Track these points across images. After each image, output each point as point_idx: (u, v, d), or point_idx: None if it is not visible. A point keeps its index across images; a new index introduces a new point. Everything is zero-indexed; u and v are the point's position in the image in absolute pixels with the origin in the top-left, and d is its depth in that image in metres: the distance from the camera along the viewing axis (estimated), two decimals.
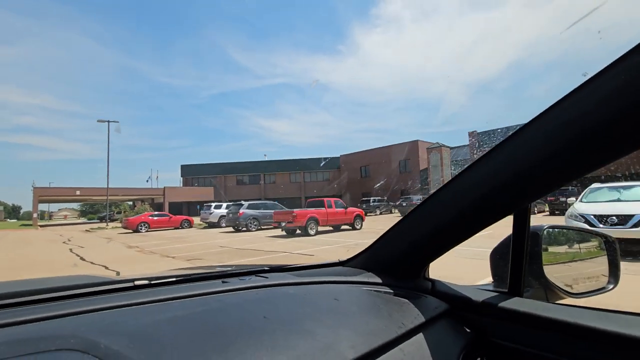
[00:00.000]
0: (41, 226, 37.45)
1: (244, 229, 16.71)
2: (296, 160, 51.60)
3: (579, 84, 0.52)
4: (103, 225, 33.02)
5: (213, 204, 21.33)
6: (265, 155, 55.03)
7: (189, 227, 22.67)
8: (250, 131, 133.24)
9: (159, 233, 19.81)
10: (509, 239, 0.80)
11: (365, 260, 1.07)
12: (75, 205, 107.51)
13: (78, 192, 39.04)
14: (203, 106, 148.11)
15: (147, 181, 51.03)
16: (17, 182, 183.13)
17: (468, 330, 0.75)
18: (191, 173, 53.21)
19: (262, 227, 17.01)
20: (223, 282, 0.83)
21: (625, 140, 0.51)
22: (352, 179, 45.51)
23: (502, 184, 0.67)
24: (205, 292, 0.71)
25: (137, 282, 0.76)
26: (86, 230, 25.65)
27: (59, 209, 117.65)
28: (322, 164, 48.76)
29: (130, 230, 20.92)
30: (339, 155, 49.74)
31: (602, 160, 0.54)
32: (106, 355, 0.44)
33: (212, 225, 21.29)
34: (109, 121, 26.62)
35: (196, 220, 23.69)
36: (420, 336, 0.65)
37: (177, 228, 22.21)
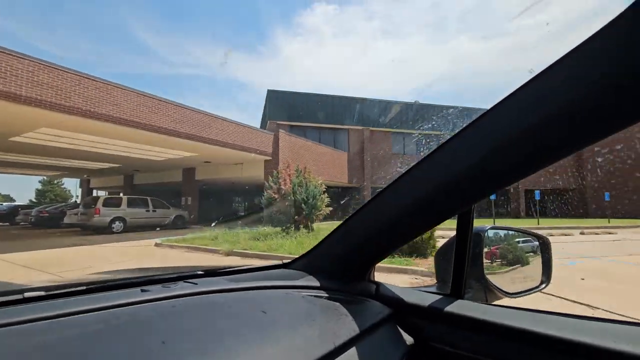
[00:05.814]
0: None
1: None
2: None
3: (523, 83, 0.51)
4: None
5: None
6: (415, 101, 27.32)
7: None
8: None
9: None
10: (453, 240, 0.79)
11: (308, 263, 1.02)
12: None
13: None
14: None
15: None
16: None
17: (409, 336, 0.73)
18: (288, 114, 23.83)
19: None
20: (142, 290, 0.71)
21: (564, 142, 0.51)
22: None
23: (445, 185, 0.66)
24: (110, 305, 0.61)
25: (27, 295, 0.63)
26: None
27: None
28: None
29: None
30: None
31: (542, 162, 0.55)
32: None
33: None
34: None
35: None
36: (358, 346, 0.62)
37: None
